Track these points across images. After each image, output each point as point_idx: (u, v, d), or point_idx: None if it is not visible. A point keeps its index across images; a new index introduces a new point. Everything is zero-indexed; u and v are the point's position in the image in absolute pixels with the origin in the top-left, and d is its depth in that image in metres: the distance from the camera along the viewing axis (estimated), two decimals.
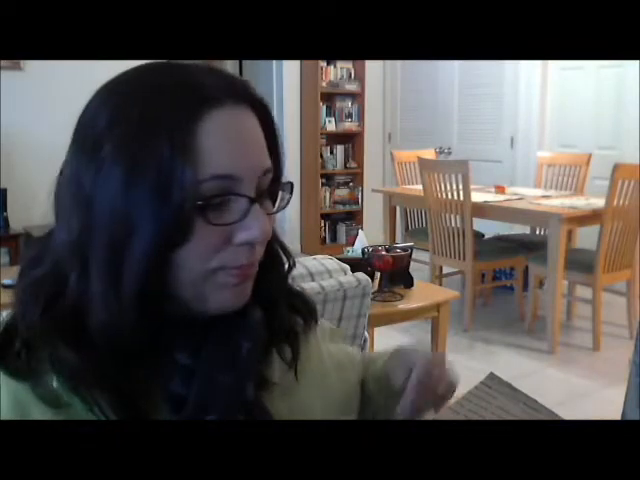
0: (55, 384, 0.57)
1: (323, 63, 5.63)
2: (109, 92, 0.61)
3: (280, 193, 0.65)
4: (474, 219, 3.79)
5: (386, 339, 3.38)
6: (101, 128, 0.58)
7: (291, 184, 0.66)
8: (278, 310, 0.69)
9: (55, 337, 0.58)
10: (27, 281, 0.62)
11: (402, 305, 2.52)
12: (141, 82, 0.61)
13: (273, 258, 0.69)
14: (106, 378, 0.57)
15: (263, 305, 0.67)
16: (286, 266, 0.71)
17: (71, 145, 0.61)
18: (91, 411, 0.57)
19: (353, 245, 2.79)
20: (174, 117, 0.57)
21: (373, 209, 5.43)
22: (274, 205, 0.65)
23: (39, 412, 0.57)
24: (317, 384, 0.75)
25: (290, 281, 0.74)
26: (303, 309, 0.74)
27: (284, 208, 0.66)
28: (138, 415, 0.58)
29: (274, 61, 5.53)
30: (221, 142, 0.59)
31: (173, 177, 0.56)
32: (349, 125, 5.85)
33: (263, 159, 0.62)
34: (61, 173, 0.62)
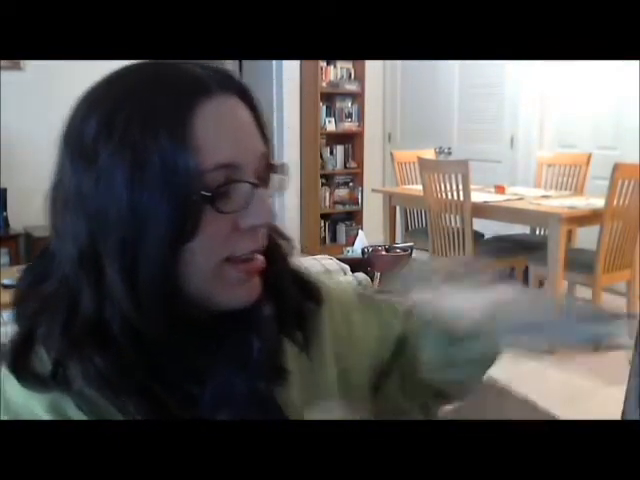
0: (90, 393, 0.57)
1: (323, 63, 5.63)
2: (95, 97, 0.60)
3: (273, 176, 0.66)
4: (474, 219, 3.79)
5: None
6: (94, 134, 0.57)
7: (285, 165, 0.67)
8: (287, 299, 0.69)
9: (82, 351, 0.57)
10: (36, 301, 0.61)
11: None
12: (127, 82, 0.60)
13: (275, 248, 0.68)
14: (133, 382, 0.58)
15: (272, 297, 0.67)
16: (288, 249, 0.71)
17: (61, 155, 0.60)
18: (123, 414, 0.57)
19: (353, 245, 2.79)
20: (169, 111, 0.57)
21: (373, 209, 5.43)
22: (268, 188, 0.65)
23: (75, 412, 0.57)
24: (333, 366, 0.74)
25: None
26: (309, 289, 0.73)
27: (282, 190, 0.67)
28: (162, 416, 0.58)
29: (274, 61, 5.53)
30: (219, 131, 0.59)
31: (178, 171, 0.56)
32: (349, 125, 5.85)
33: (259, 144, 0.63)
34: (54, 185, 0.61)
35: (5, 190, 4.15)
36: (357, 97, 5.86)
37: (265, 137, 0.65)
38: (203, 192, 0.57)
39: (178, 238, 0.57)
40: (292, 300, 0.69)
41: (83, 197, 0.58)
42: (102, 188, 0.57)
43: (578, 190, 4.17)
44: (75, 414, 0.57)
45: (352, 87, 5.81)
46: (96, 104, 0.59)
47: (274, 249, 0.67)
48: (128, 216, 0.56)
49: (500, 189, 4.16)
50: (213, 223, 0.58)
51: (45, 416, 0.57)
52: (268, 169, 0.65)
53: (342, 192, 5.98)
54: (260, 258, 0.63)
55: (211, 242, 0.59)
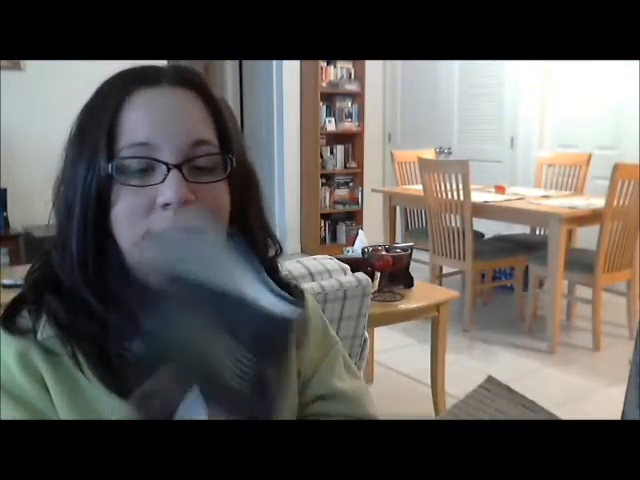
0: (49, 335, 0.66)
1: (323, 63, 5.63)
2: None
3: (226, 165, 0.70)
4: (474, 219, 3.79)
5: (386, 339, 3.39)
6: (72, 126, 0.69)
7: (230, 159, 0.69)
8: None
9: (50, 300, 0.68)
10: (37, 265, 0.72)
11: (402, 305, 2.52)
12: (101, 84, 0.70)
13: (253, 241, 0.72)
14: (82, 329, 0.66)
15: None
16: (272, 252, 0.76)
17: None
18: (74, 361, 0.65)
19: (353, 245, 2.79)
20: (105, 100, 0.66)
21: (373, 209, 5.43)
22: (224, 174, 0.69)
23: (39, 359, 0.65)
24: (294, 365, 0.78)
25: (284, 272, 0.78)
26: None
27: (220, 180, 0.69)
28: (106, 367, 0.65)
29: (274, 61, 5.53)
30: (141, 114, 0.65)
31: (98, 149, 0.65)
32: (349, 125, 5.85)
33: (193, 131, 0.67)
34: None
35: (5, 190, 4.15)
36: (357, 97, 5.86)
37: (221, 130, 0.69)
38: (110, 164, 0.64)
39: (98, 207, 0.65)
40: None
41: (59, 175, 0.69)
42: (64, 167, 0.68)
43: (578, 190, 4.18)
44: (40, 363, 0.65)
45: (352, 87, 5.81)
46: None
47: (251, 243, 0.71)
48: (70, 186, 0.67)
49: (500, 189, 4.16)
50: (128, 196, 0.65)
51: (14, 364, 0.65)
52: (210, 157, 0.67)
53: (342, 192, 5.98)
54: None
55: (129, 214, 0.65)
